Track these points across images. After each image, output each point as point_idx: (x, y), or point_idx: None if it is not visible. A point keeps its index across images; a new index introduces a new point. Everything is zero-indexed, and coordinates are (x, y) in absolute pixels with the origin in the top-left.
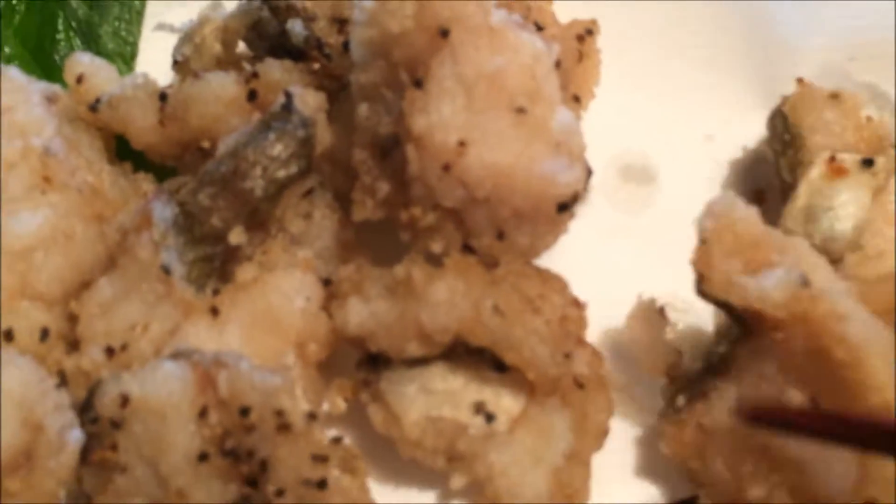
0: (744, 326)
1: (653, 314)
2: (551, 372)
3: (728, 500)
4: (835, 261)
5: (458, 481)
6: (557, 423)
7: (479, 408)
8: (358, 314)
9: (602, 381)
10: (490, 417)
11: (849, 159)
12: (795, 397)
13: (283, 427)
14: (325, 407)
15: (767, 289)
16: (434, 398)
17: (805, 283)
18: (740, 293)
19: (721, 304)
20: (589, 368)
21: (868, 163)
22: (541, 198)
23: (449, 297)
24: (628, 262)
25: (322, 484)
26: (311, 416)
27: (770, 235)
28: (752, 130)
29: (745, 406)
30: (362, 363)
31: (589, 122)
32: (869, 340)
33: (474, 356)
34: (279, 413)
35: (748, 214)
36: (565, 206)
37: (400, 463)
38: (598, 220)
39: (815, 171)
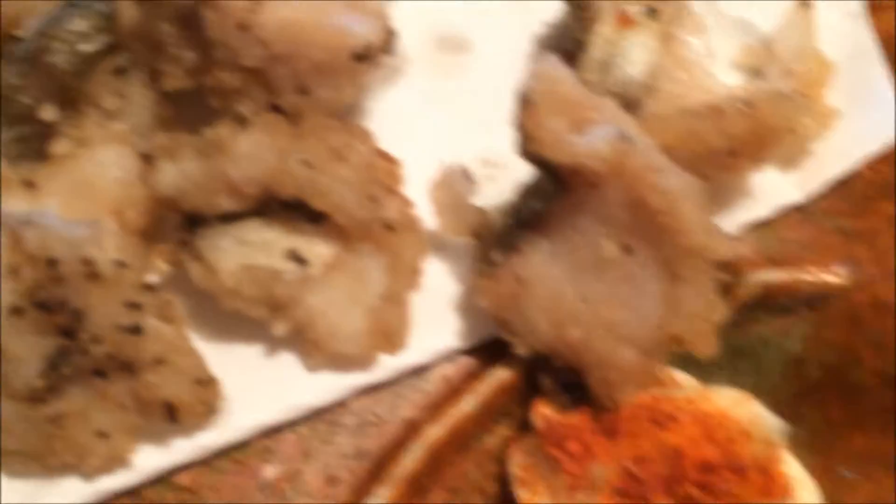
0: (561, 184)
1: (456, 177)
2: (359, 215)
3: (543, 348)
4: (633, 105)
5: (280, 328)
6: (371, 266)
7: (293, 254)
8: (168, 174)
9: (412, 224)
10: (303, 262)
11: (635, 10)
12: (609, 248)
13: (92, 276)
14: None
15: (593, 144)
16: (248, 248)
17: (624, 138)
18: (568, 150)
19: (543, 164)
20: (399, 214)
21: (653, 12)
22: (336, 49)
23: (254, 150)
24: (445, 126)
25: (136, 329)
26: (121, 265)
27: (588, 96)
28: None
29: None
30: (180, 225)
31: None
32: (681, 189)
33: (288, 211)
34: (87, 262)
35: (568, 76)
36: (361, 57)
37: (228, 319)
38: (414, 88)
39: (605, 24)
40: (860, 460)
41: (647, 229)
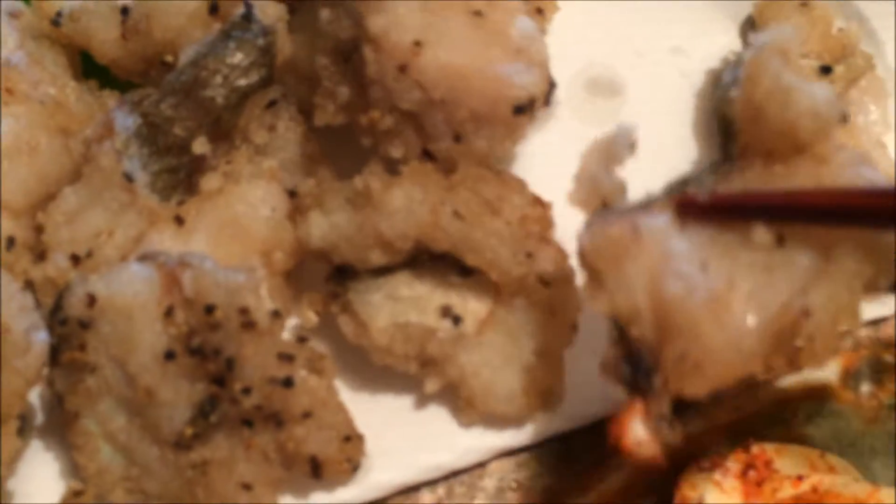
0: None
1: (620, 140)
2: (514, 271)
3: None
4: None
5: (432, 385)
6: (525, 323)
7: (446, 311)
8: (319, 227)
9: (568, 278)
10: (457, 320)
11: (807, 65)
12: (760, 233)
13: (248, 325)
14: (297, 321)
15: (814, 96)
16: (400, 305)
17: (844, 118)
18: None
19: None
20: (554, 266)
21: (826, 70)
22: (497, 100)
23: (406, 204)
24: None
25: (288, 382)
26: (276, 315)
27: None
28: (719, 42)
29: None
30: (330, 276)
31: (554, 36)
32: None
33: (439, 263)
34: (243, 311)
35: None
36: (521, 109)
37: (375, 372)
38: (565, 132)
39: None
40: None
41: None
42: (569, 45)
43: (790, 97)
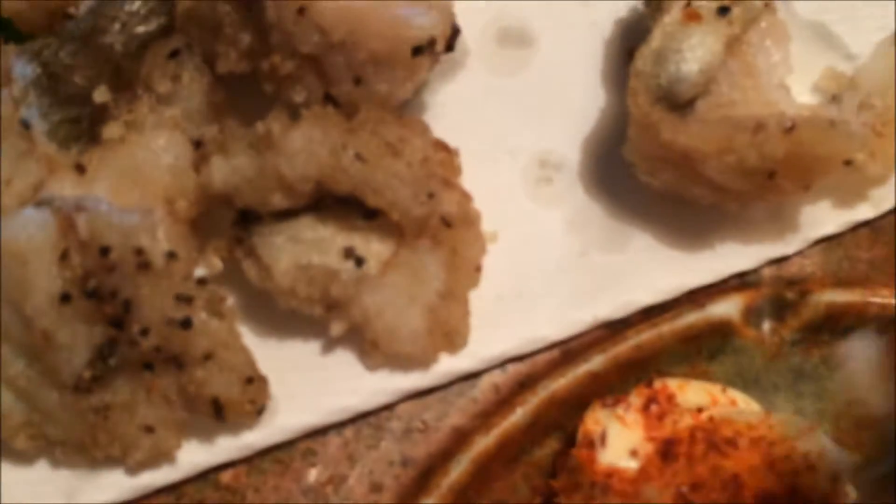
0: None
1: None
2: (415, 212)
3: None
4: (682, 105)
5: (337, 328)
6: (429, 263)
7: (349, 253)
8: (221, 170)
9: (471, 219)
10: (360, 261)
11: (705, 6)
12: None
13: (144, 265)
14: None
15: None
16: (303, 247)
17: None
18: None
19: None
20: (458, 208)
21: (724, 11)
22: (396, 41)
23: (306, 146)
24: (505, 121)
25: (186, 323)
26: (172, 256)
27: None
28: None
29: None
30: (234, 222)
31: None
32: None
33: (343, 207)
34: (138, 251)
35: None
36: (420, 50)
37: (281, 318)
38: (475, 83)
39: (671, 16)
40: None
41: None
42: None
43: None
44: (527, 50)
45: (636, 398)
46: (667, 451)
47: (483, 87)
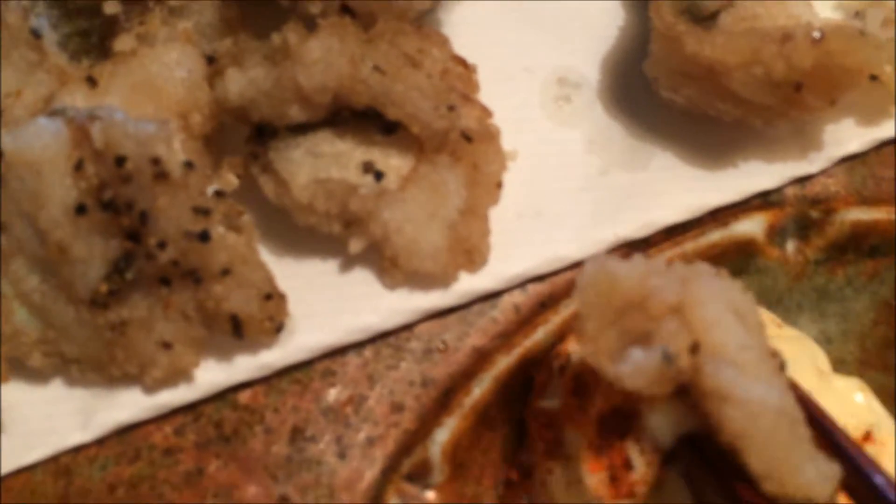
0: None
1: None
2: (435, 125)
3: None
4: (706, 18)
5: (356, 245)
6: (449, 179)
7: (368, 167)
8: (236, 83)
9: (491, 134)
10: (379, 175)
11: None
12: None
13: (160, 176)
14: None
15: (628, 375)
16: (321, 161)
17: (668, 359)
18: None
19: None
20: (477, 123)
21: None
22: None
23: (324, 56)
24: (522, 38)
25: (204, 236)
26: (189, 166)
27: (648, 290)
28: None
29: None
30: (250, 137)
31: None
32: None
33: (361, 121)
34: (155, 161)
35: (625, 272)
36: None
37: (300, 236)
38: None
39: None
40: None
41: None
42: None
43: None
44: None
45: None
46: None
47: (500, 2)
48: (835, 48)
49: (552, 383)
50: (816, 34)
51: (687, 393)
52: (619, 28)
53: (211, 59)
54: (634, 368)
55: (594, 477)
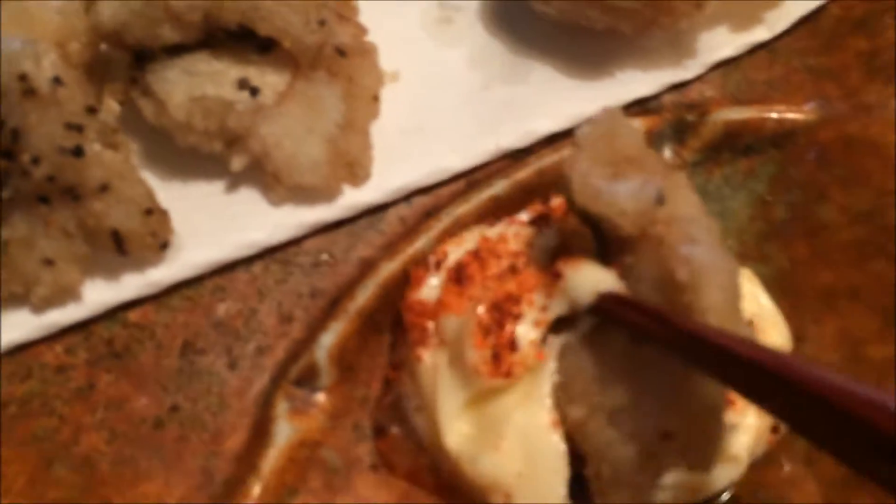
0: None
1: None
2: (307, 39)
3: None
4: None
5: (238, 162)
6: (326, 95)
7: (244, 84)
8: (109, 6)
9: (366, 49)
10: (255, 91)
11: None
12: None
13: (29, 92)
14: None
15: (619, 196)
16: (197, 79)
17: (660, 199)
18: (595, 199)
19: (586, 218)
20: (352, 39)
21: None
22: None
23: None
24: None
25: (78, 151)
26: (57, 81)
27: (644, 152)
28: None
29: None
30: (130, 63)
31: None
32: (712, 265)
33: (237, 42)
34: (22, 77)
35: (629, 129)
36: None
37: (183, 158)
38: None
39: None
40: (826, 296)
41: (673, 305)
42: None
43: (601, 200)
44: None
45: (527, 214)
46: (459, 275)
47: None
48: None
49: (428, 277)
50: None
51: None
52: None
53: None
54: (629, 194)
55: (476, 354)
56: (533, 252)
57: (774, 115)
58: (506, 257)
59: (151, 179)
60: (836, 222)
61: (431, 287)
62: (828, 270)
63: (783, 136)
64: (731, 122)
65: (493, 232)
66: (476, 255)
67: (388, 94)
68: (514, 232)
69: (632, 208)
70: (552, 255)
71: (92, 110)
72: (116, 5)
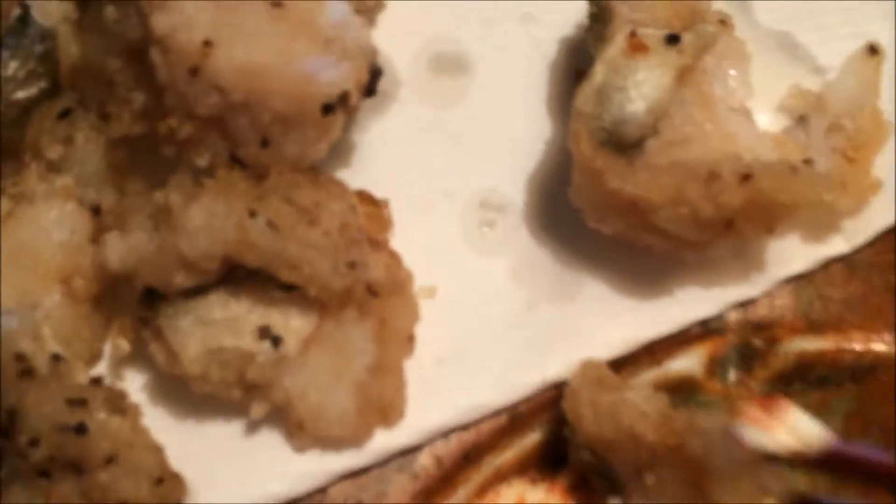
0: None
1: None
2: (335, 285)
3: None
4: (629, 147)
5: (257, 411)
6: (356, 337)
7: (265, 332)
8: (116, 250)
9: (400, 284)
10: (277, 341)
11: (652, 35)
12: None
13: (26, 372)
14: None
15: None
16: (212, 329)
17: None
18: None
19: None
20: (385, 272)
21: (673, 39)
22: (303, 99)
23: (207, 221)
24: (441, 158)
25: (81, 429)
26: (57, 358)
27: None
28: (573, 6)
29: None
30: (139, 300)
31: (392, 12)
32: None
33: (258, 278)
34: (19, 357)
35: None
36: (331, 108)
37: (200, 399)
38: (408, 116)
39: (614, 47)
40: None
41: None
42: (409, 21)
43: (617, 412)
44: (464, 78)
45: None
46: None
47: (416, 120)
48: (765, 186)
49: None
50: (744, 171)
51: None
52: (546, 143)
53: (97, 210)
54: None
55: None
56: None
57: (854, 346)
58: None
59: (162, 421)
60: None
61: None
62: None
63: (862, 370)
64: (804, 354)
65: (532, 497)
66: None
67: (423, 314)
68: None
69: (651, 409)
70: None
71: (96, 381)
72: (124, 250)
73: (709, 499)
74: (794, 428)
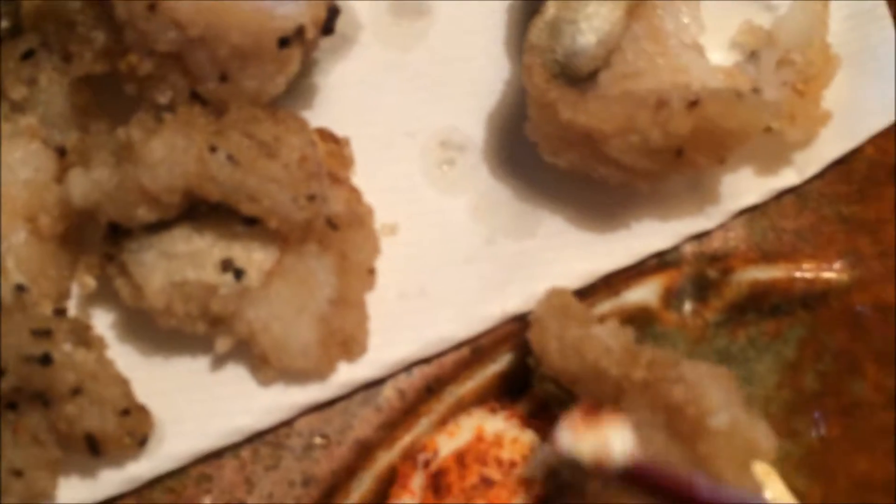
0: None
1: None
2: (295, 217)
3: None
4: (581, 80)
5: (222, 345)
6: (317, 269)
7: (227, 265)
8: (79, 185)
9: (361, 219)
10: (239, 273)
11: None
12: None
13: None
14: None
15: (603, 336)
16: (175, 262)
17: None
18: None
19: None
20: (346, 206)
21: None
22: (259, 33)
23: (168, 154)
24: (402, 99)
25: (46, 359)
26: (21, 289)
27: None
28: None
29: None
30: (104, 236)
31: None
32: (704, 374)
33: (221, 213)
34: None
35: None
36: (287, 42)
37: (165, 335)
38: (369, 59)
39: None
40: (862, 486)
41: (681, 433)
42: None
43: (582, 347)
44: (423, 21)
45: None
46: (437, 483)
47: (377, 62)
48: (712, 112)
49: (414, 475)
50: (692, 98)
51: None
52: (504, 82)
53: (62, 151)
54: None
55: None
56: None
57: (805, 275)
58: (491, 465)
59: (128, 358)
60: (871, 402)
61: (416, 488)
62: (863, 457)
63: (814, 298)
64: (758, 282)
65: (491, 426)
66: (459, 459)
67: (385, 251)
68: (511, 437)
69: (616, 344)
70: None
71: (60, 312)
72: (87, 184)
73: (696, 452)
74: (603, 442)
